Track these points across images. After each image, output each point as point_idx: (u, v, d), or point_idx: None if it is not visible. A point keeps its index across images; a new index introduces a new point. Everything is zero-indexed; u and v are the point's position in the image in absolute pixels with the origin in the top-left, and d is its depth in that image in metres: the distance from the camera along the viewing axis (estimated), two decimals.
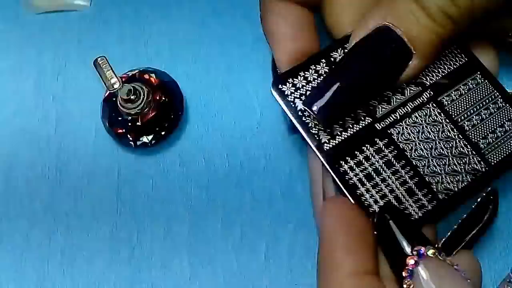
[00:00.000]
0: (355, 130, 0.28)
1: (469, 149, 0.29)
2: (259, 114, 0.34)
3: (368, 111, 0.28)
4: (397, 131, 0.28)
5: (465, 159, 0.28)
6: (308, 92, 0.28)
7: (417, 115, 0.28)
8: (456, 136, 0.29)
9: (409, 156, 0.28)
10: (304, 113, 0.28)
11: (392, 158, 0.28)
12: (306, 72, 0.28)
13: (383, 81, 0.27)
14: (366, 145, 0.28)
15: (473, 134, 0.29)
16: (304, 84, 0.28)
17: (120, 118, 0.33)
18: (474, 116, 0.29)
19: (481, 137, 0.29)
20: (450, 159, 0.28)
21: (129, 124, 0.32)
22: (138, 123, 0.32)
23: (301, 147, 0.33)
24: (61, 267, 0.32)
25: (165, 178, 0.34)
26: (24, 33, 0.37)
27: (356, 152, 0.28)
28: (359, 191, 0.27)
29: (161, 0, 0.37)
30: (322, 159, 0.28)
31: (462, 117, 0.29)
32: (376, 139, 0.28)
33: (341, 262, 0.24)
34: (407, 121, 0.28)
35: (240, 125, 0.34)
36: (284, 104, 0.28)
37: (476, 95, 0.29)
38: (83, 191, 0.33)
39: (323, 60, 0.29)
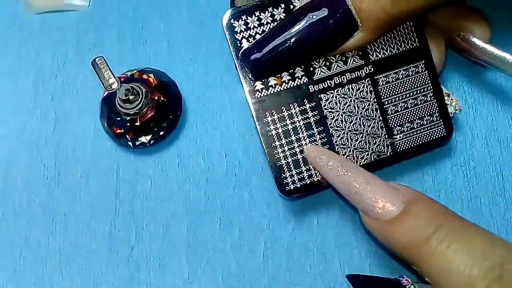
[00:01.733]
0: (289, 87, 0.29)
1: (383, 132, 0.30)
2: None
3: (307, 71, 0.29)
4: (326, 98, 0.29)
5: (376, 140, 0.30)
6: (256, 36, 0.28)
7: (350, 87, 0.29)
8: (377, 117, 0.29)
9: (328, 124, 0.29)
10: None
11: (313, 122, 0.29)
12: (262, 13, 0.28)
13: (323, 48, 0.27)
14: (294, 104, 0.29)
15: (392, 119, 0.30)
16: (256, 25, 0.28)
17: (118, 118, 0.33)
18: (400, 103, 0.30)
19: (398, 124, 0.30)
20: (364, 136, 0.29)
21: (128, 124, 0.32)
22: (136, 123, 0.32)
23: None
24: (60, 267, 0.32)
25: (164, 178, 0.34)
26: (23, 33, 0.37)
27: (282, 108, 0.29)
28: (273, 144, 0.29)
29: (159, 0, 0.37)
30: (250, 106, 0.29)
31: (390, 101, 0.30)
32: (305, 100, 0.29)
33: None
34: (339, 91, 0.29)
35: (238, 125, 0.34)
36: (231, 40, 0.28)
37: (411, 83, 0.30)
38: (81, 191, 0.33)
39: (282, 5, 0.28)
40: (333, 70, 0.29)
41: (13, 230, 0.33)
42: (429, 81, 0.30)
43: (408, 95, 0.30)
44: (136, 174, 0.34)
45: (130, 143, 0.33)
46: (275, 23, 0.28)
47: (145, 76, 0.33)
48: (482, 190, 0.33)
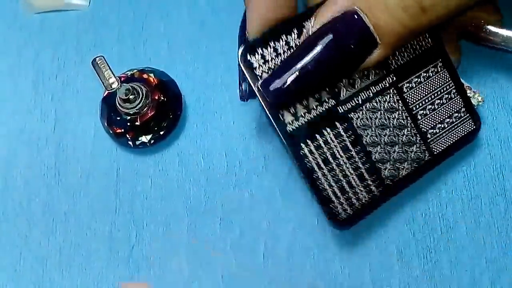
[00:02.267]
0: (318, 113, 0.28)
1: (418, 138, 0.29)
2: (258, 113, 0.34)
3: (332, 93, 0.28)
4: (356, 116, 0.28)
5: (412, 147, 0.29)
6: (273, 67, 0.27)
7: (377, 100, 0.28)
8: (408, 124, 0.29)
9: (364, 142, 0.28)
10: None
11: (349, 143, 0.28)
12: (276, 43, 0.27)
13: (344, 69, 0.26)
14: (327, 129, 0.28)
15: (423, 124, 0.29)
16: (274, 57, 0.27)
17: (118, 118, 0.33)
18: (428, 106, 0.29)
19: (430, 126, 0.29)
20: (399, 146, 0.29)
21: (128, 123, 0.32)
22: (137, 123, 0.32)
23: None
24: (60, 267, 0.32)
25: (164, 178, 0.33)
26: (23, 33, 0.37)
27: (316, 136, 0.28)
28: (315, 175, 0.28)
29: (160, 0, 0.37)
30: (284, 141, 0.28)
31: (417, 106, 0.29)
32: (336, 123, 0.28)
33: None
34: (367, 106, 0.28)
35: (239, 125, 0.34)
36: (250, 78, 0.27)
37: (433, 84, 0.29)
38: (81, 191, 0.33)
39: (295, 31, 0.27)
40: (357, 86, 0.28)
41: (13, 229, 0.33)
42: (449, 79, 0.29)
43: (433, 96, 0.29)
44: (136, 173, 0.34)
45: (130, 143, 0.33)
46: (292, 50, 0.27)
47: (145, 76, 0.33)
48: (482, 190, 0.33)
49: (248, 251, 0.32)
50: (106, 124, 0.33)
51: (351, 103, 0.28)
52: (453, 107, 0.30)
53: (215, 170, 0.33)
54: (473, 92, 0.31)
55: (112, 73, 0.31)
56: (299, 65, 0.25)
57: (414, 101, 0.29)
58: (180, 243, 0.32)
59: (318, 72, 0.25)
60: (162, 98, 0.33)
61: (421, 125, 0.29)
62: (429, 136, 0.29)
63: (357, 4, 0.24)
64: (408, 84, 0.29)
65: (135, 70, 0.34)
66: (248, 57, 0.27)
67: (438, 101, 0.29)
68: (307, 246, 0.32)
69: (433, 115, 0.29)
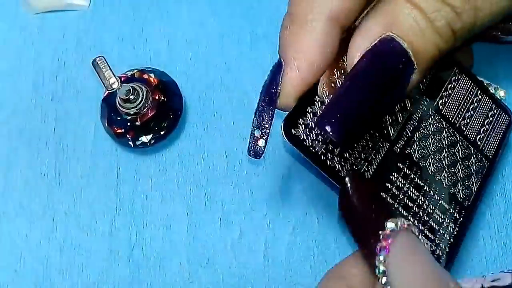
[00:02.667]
0: (379, 161, 0.26)
1: (472, 149, 0.29)
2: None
3: (383, 135, 0.27)
4: (413, 149, 0.27)
5: (471, 159, 0.28)
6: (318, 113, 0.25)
7: (423, 126, 0.28)
8: (458, 139, 0.28)
9: (430, 172, 0.27)
10: (327, 155, 0.25)
11: (418, 180, 0.27)
12: (313, 106, 0.25)
13: (390, 95, 0.24)
14: (394, 174, 0.27)
15: (469, 133, 0.29)
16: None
17: (119, 118, 0.33)
18: (465, 114, 0.29)
19: (476, 133, 0.29)
20: (460, 163, 0.28)
21: (128, 123, 0.32)
22: (137, 123, 0.32)
23: None
24: (60, 267, 0.32)
25: (164, 178, 0.33)
26: (24, 33, 0.37)
27: (387, 185, 0.26)
28: None
29: (160, 0, 0.37)
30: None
31: (457, 118, 0.29)
32: (399, 164, 0.27)
33: None
34: (417, 135, 0.28)
35: (239, 125, 0.34)
36: (302, 152, 0.25)
37: (460, 91, 0.29)
38: (82, 191, 0.33)
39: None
40: (400, 120, 0.27)
41: (14, 229, 0.33)
42: (470, 82, 0.29)
43: (465, 103, 0.29)
44: (136, 173, 0.34)
45: (130, 143, 0.33)
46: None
47: (145, 76, 0.33)
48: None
49: (248, 251, 0.32)
50: (106, 124, 0.33)
51: (403, 138, 0.27)
52: (485, 106, 0.30)
53: (215, 170, 0.33)
54: (495, 87, 0.31)
55: (113, 73, 0.31)
56: (351, 96, 0.23)
57: (453, 114, 0.29)
58: (180, 243, 0.32)
59: (367, 102, 0.24)
60: (162, 98, 0.33)
61: (468, 135, 0.29)
62: (479, 143, 0.29)
63: (392, 30, 0.24)
64: (441, 101, 0.28)
65: (136, 70, 0.34)
66: (293, 132, 0.25)
67: (471, 106, 0.29)
68: (308, 246, 0.32)
69: (473, 121, 0.29)
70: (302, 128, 0.25)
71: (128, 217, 0.33)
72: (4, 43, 0.36)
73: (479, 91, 0.30)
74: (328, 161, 0.25)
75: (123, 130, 0.33)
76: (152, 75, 0.33)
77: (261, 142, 0.26)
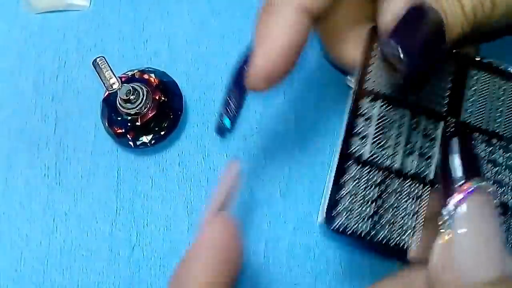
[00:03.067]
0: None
1: None
2: (259, 114, 0.34)
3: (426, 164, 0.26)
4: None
5: None
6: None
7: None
8: (502, 144, 0.27)
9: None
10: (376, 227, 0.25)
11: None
12: (342, 190, 0.25)
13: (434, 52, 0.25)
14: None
15: (505, 132, 0.27)
16: (353, 197, 0.25)
17: (119, 118, 0.33)
18: (493, 113, 0.27)
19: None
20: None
21: (129, 124, 0.32)
22: (137, 123, 0.32)
23: (301, 147, 0.33)
24: (61, 267, 0.32)
25: (165, 178, 0.34)
26: (24, 33, 0.37)
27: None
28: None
29: (160, 0, 0.37)
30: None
31: (488, 123, 0.27)
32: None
33: None
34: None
35: (239, 125, 0.34)
36: (352, 240, 0.25)
37: (486, 89, 0.27)
38: (82, 191, 0.33)
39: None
40: (435, 139, 0.26)
41: (14, 229, 0.33)
42: (489, 75, 0.27)
43: (489, 100, 0.27)
44: (137, 174, 0.34)
45: (131, 143, 0.33)
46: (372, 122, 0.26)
47: (146, 76, 0.33)
48: None
49: (248, 252, 0.32)
50: (106, 124, 0.33)
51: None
52: (507, 96, 0.27)
53: (216, 170, 0.33)
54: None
55: (113, 73, 0.31)
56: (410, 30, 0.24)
57: (482, 121, 0.27)
58: (181, 243, 0.32)
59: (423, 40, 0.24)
60: (162, 98, 0.33)
61: (505, 135, 0.27)
62: None
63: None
64: (466, 112, 0.27)
65: (136, 70, 0.34)
66: (335, 227, 0.25)
67: (496, 100, 0.27)
68: (308, 247, 0.32)
69: (505, 118, 0.27)
70: (341, 220, 0.25)
71: (129, 217, 0.33)
72: (4, 43, 0.36)
73: (498, 78, 0.27)
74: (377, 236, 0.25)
75: (123, 130, 0.33)
76: (152, 75, 0.33)
77: (226, 121, 0.28)
